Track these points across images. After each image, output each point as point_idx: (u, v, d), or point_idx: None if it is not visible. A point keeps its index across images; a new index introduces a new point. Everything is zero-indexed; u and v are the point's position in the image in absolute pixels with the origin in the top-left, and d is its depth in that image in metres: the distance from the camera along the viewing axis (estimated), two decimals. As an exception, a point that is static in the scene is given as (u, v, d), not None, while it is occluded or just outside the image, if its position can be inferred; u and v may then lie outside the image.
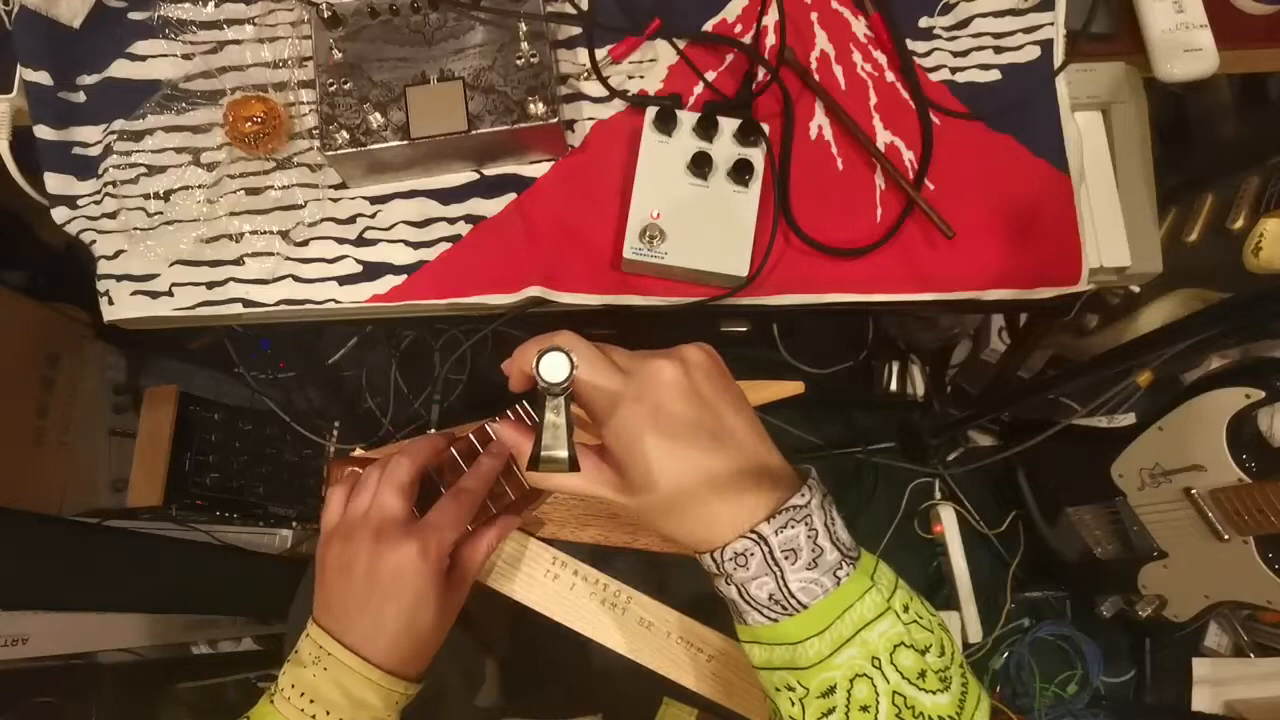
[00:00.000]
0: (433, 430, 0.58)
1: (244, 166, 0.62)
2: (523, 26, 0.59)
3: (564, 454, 0.37)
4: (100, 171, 0.63)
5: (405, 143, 0.58)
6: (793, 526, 0.36)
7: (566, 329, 0.40)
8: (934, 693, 0.35)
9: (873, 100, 0.62)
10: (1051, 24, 0.62)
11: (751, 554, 0.36)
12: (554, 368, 0.35)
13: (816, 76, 0.62)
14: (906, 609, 0.37)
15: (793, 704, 0.36)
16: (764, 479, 0.37)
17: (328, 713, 0.43)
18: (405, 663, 0.45)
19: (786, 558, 0.36)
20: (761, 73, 0.62)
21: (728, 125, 0.59)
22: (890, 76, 0.62)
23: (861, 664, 0.35)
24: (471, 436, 0.54)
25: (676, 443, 0.37)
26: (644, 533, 0.63)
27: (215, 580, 1.09)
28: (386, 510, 0.46)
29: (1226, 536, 0.97)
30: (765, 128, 0.59)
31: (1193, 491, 0.99)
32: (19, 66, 0.61)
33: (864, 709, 0.35)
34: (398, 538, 0.45)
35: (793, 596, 0.36)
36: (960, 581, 1.29)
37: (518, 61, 0.59)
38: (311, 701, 0.43)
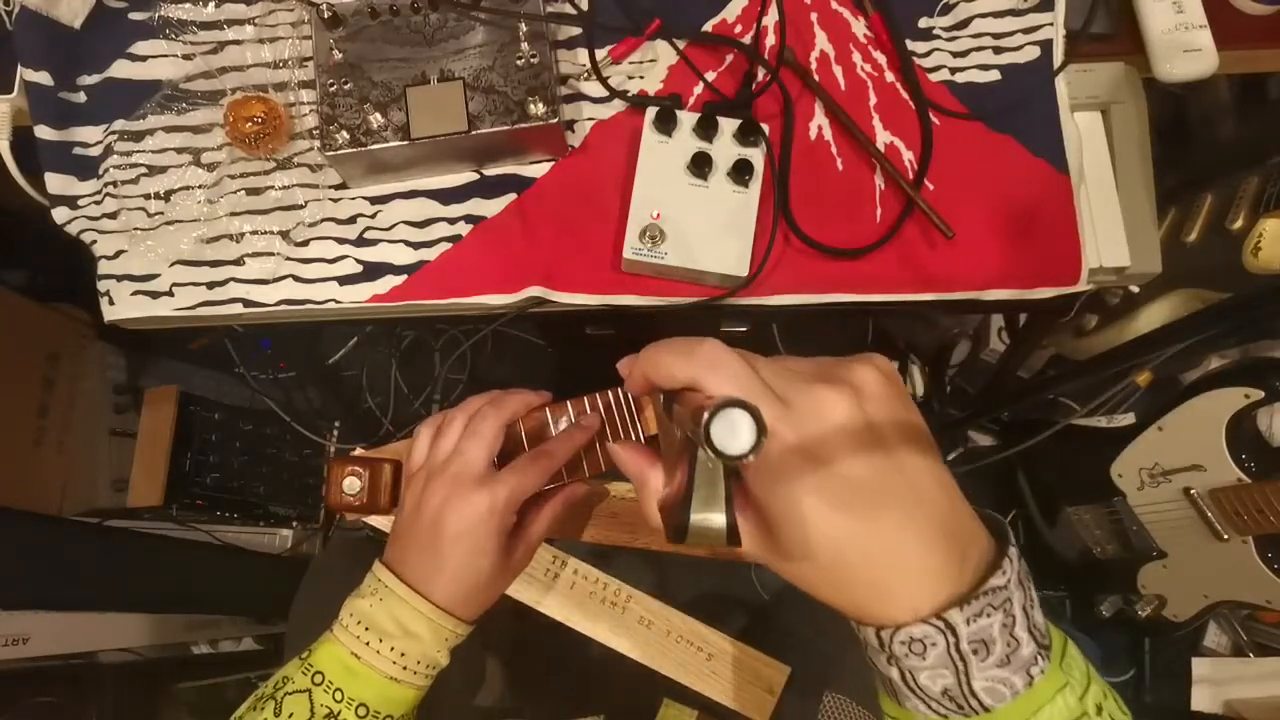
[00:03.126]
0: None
1: (244, 167, 0.62)
2: (523, 27, 0.59)
3: (721, 522, 0.29)
4: (101, 172, 0.63)
5: (405, 143, 0.58)
6: (988, 615, 0.29)
7: (709, 337, 0.32)
8: None
9: (872, 100, 0.62)
10: (1051, 24, 0.62)
11: (933, 643, 0.29)
12: (734, 433, 0.24)
13: (816, 77, 0.62)
14: (1100, 709, 0.30)
15: None
16: (952, 548, 0.30)
17: (380, 640, 0.45)
18: (458, 605, 0.47)
19: (975, 651, 0.29)
20: (761, 73, 0.62)
21: (728, 125, 0.59)
22: (890, 77, 0.62)
23: None
24: (569, 405, 0.53)
25: (845, 509, 0.29)
26: (644, 532, 0.63)
27: (215, 580, 1.09)
28: (466, 461, 0.48)
29: (1226, 536, 0.97)
30: (765, 128, 0.59)
31: (1192, 491, 0.99)
32: (19, 67, 0.61)
33: None
34: (469, 489, 0.47)
35: (974, 696, 0.29)
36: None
37: (518, 62, 0.59)
38: (367, 629, 0.46)
